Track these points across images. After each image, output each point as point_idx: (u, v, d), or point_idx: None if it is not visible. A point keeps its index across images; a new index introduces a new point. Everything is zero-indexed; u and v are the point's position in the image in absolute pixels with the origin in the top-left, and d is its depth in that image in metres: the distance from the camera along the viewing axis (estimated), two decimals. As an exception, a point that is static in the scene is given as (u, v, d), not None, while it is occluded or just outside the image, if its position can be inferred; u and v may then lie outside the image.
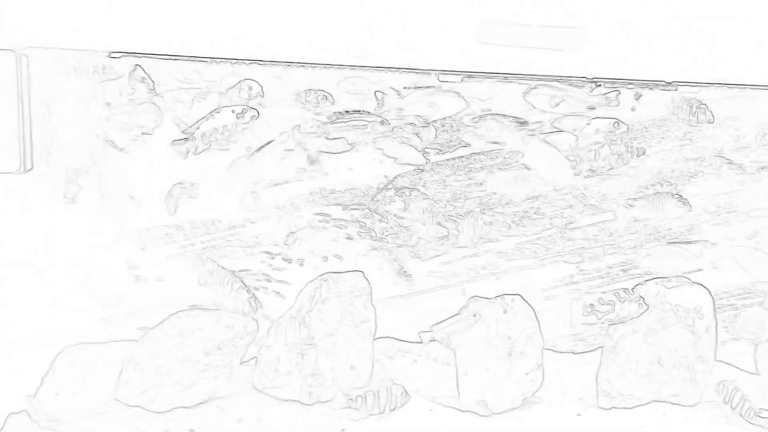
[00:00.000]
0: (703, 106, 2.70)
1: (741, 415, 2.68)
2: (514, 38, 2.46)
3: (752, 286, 2.76)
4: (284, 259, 2.71)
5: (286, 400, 2.68)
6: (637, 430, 2.68)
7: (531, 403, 2.71)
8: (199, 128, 2.66)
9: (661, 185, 2.74)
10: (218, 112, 2.66)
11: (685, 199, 2.73)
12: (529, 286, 2.72)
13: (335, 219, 2.73)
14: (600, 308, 2.69)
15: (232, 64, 2.66)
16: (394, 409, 2.66)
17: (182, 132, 2.66)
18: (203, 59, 2.66)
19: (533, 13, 2.65)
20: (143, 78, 2.64)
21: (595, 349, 2.72)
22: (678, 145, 2.74)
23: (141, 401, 2.62)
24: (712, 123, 2.70)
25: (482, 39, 2.29)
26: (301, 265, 2.72)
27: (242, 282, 2.68)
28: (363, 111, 2.63)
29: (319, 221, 2.72)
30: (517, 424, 2.68)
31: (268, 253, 2.71)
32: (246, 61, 2.66)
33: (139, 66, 2.64)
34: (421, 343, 2.72)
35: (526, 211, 2.75)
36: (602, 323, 2.69)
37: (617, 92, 2.67)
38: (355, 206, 2.74)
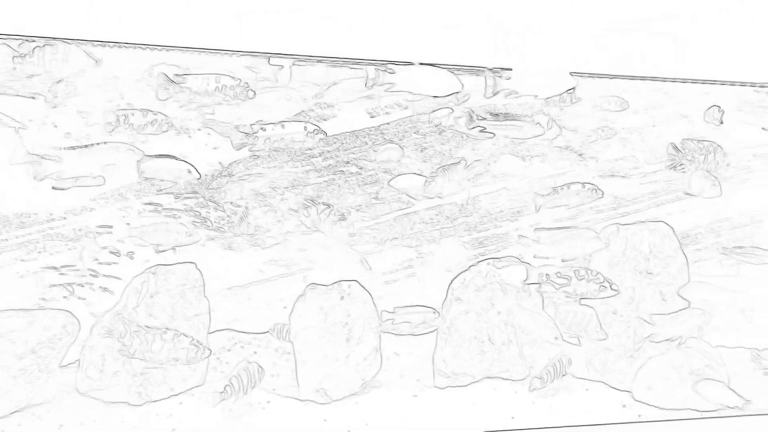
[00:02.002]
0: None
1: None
2: None
3: (576, 262, 2.91)
4: (112, 252, 2.53)
5: (113, 402, 2.53)
6: (469, 406, 2.76)
7: (370, 387, 2.72)
8: (265, 130, 2.58)
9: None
10: (289, 123, 2.62)
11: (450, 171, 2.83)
12: (368, 271, 2.71)
13: (167, 209, 2.57)
14: (556, 280, 2.77)
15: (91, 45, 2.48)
16: (254, 386, 2.60)
17: (250, 126, 2.59)
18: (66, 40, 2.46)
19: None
20: None
21: (433, 331, 2.76)
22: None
23: (-56, 414, 2.40)
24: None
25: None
26: (131, 258, 2.54)
27: (171, 329, 2.50)
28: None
29: (150, 211, 2.56)
30: (356, 409, 2.68)
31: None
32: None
33: None
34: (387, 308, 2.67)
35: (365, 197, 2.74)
36: (560, 294, 2.81)
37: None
38: (188, 195, 2.60)
